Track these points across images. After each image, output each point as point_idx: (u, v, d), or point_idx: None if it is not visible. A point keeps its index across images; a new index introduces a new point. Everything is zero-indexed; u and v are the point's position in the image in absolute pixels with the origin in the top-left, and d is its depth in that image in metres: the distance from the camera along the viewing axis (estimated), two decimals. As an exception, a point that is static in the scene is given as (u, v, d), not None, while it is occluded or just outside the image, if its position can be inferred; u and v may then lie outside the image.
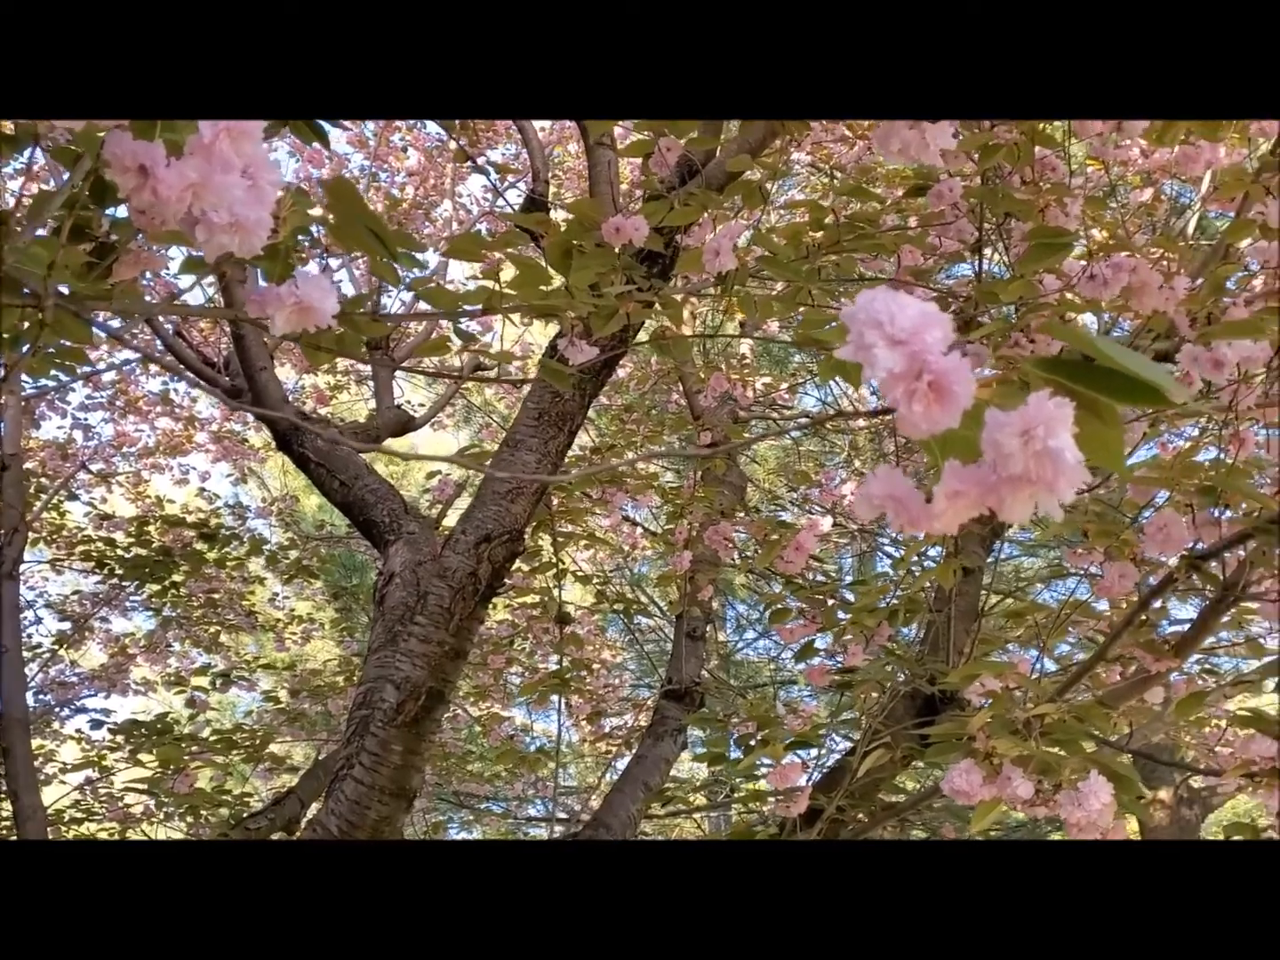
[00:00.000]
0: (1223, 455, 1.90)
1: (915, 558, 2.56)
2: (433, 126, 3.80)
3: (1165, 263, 2.30)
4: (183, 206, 0.65)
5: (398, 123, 3.81)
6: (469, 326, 4.08)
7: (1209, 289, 1.81)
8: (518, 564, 3.08)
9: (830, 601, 2.38)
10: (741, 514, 3.55)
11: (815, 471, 4.00)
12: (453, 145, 3.33)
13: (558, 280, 1.58)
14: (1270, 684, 1.86)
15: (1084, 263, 1.71)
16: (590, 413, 4.68)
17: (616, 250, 1.53)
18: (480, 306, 1.48)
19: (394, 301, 3.64)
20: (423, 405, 3.78)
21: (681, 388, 3.51)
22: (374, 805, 2.17)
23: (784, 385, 3.95)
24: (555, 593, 2.64)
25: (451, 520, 2.66)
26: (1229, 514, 1.75)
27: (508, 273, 1.49)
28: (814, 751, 2.70)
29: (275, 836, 3.24)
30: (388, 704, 2.23)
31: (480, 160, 3.06)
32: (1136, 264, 1.61)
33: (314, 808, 3.29)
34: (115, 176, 0.65)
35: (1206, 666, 2.60)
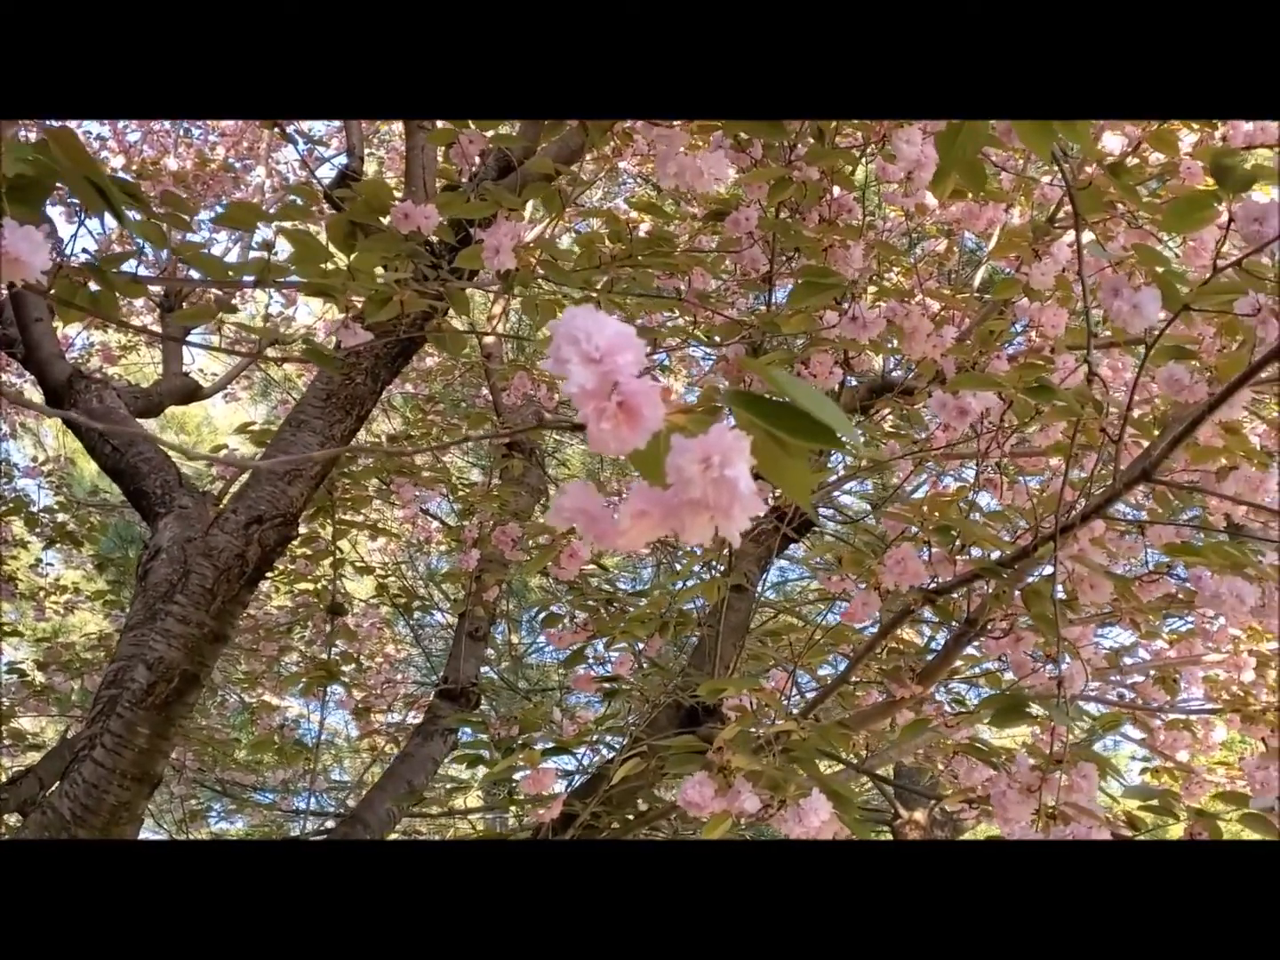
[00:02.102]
0: (977, 498, 2.02)
1: (698, 567, 2.62)
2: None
3: (950, 311, 2.44)
4: None
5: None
6: (276, 300, 3.94)
7: (977, 340, 1.92)
8: (300, 549, 2.99)
9: (610, 608, 2.41)
10: (543, 516, 3.54)
11: (617, 478, 4.04)
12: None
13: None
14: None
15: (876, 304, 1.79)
16: (398, 400, 4.60)
17: (404, 236, 1.51)
18: (253, 278, 1.42)
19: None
20: (216, 375, 3.62)
21: (488, 384, 3.48)
22: (113, 789, 2.08)
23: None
24: (332, 582, 2.57)
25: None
26: (978, 551, 1.86)
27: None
28: (586, 757, 2.72)
29: (9, 818, 3.05)
30: (138, 684, 2.14)
31: (291, 129, 2.96)
32: (909, 311, 1.70)
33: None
34: None
35: (955, 696, 2.76)
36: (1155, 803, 1.56)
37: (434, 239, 1.69)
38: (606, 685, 2.12)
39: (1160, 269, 1.20)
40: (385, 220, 1.54)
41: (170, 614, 2.18)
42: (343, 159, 3.23)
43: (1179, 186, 2.08)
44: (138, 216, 1.31)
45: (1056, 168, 1.30)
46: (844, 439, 0.57)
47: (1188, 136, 2.71)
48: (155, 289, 3.38)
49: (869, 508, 4.71)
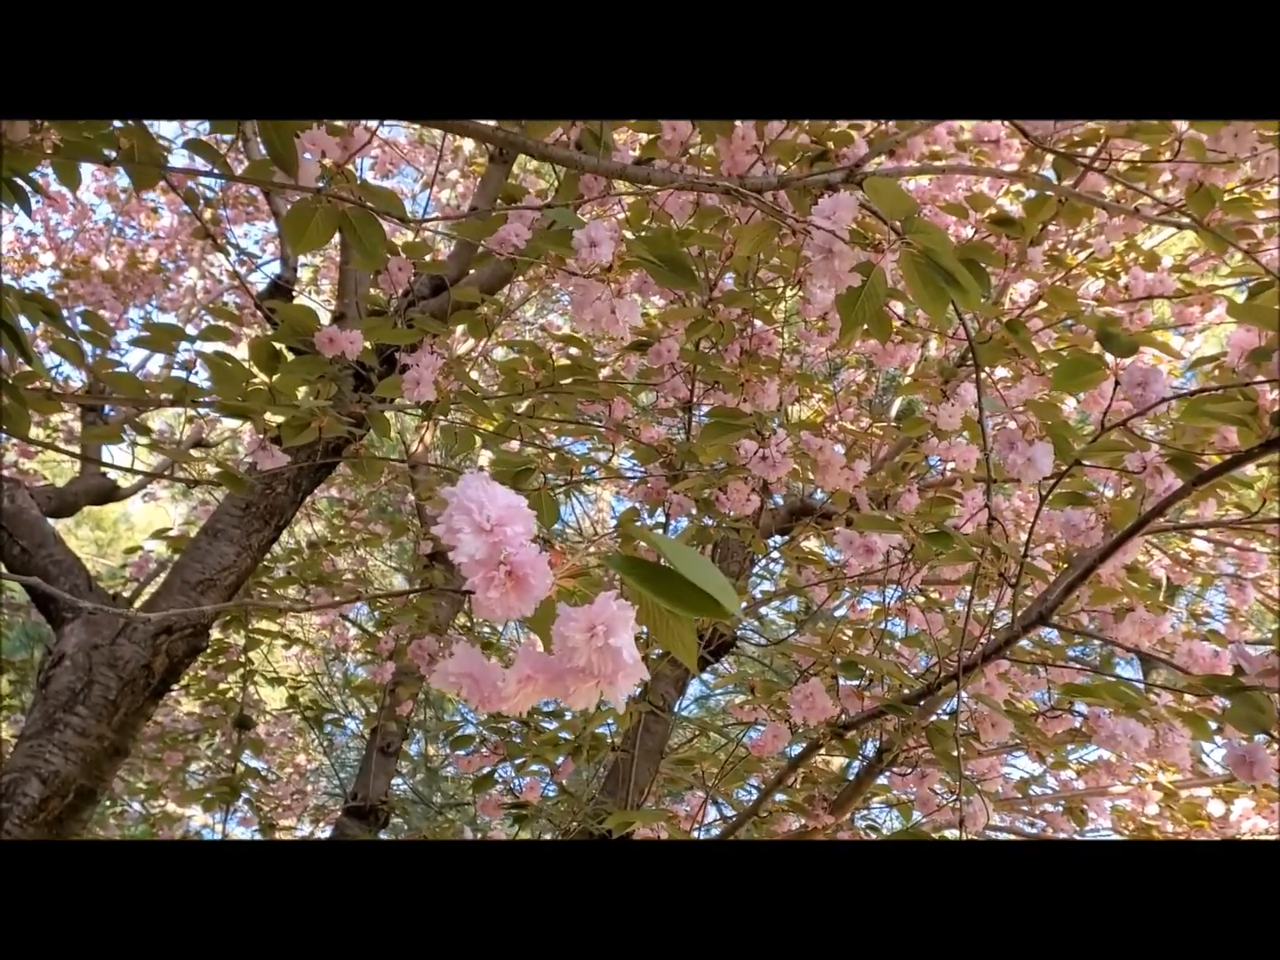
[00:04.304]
0: (890, 625, 2.05)
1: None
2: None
3: (869, 441, 2.50)
4: None
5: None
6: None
7: (887, 474, 1.98)
8: (212, 658, 2.91)
9: (525, 728, 2.37)
10: (465, 628, 3.50)
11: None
12: (212, 213, 3.24)
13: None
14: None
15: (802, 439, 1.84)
16: (322, 504, 4.55)
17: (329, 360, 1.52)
18: (171, 397, 1.43)
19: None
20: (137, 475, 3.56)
21: (414, 491, 3.47)
22: (-7, 914, 1.98)
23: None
24: (242, 691, 2.50)
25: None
26: (889, 683, 1.89)
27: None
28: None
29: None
30: (30, 799, 2.06)
31: (232, 233, 2.99)
32: (821, 445, 1.75)
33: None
34: None
35: (870, 823, 2.75)
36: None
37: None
38: (514, 811, 2.08)
39: (1052, 422, 1.26)
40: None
41: (70, 725, 2.12)
42: (276, 266, 3.26)
43: (1081, 336, 2.19)
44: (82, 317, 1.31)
45: (959, 321, 1.36)
46: (728, 609, 0.59)
47: (1093, 284, 2.86)
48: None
49: (793, 625, 4.73)
